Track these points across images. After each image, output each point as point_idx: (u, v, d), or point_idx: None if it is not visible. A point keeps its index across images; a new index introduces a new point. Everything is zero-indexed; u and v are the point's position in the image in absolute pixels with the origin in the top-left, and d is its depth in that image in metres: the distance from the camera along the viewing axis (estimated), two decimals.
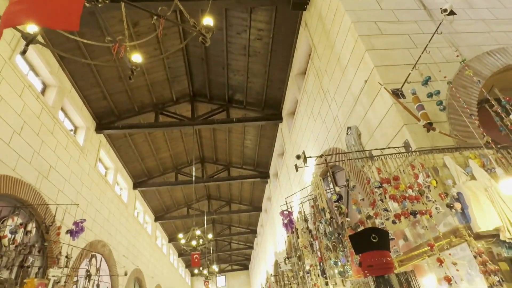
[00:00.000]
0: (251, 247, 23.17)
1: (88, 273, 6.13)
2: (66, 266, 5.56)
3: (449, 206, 2.85)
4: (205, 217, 14.23)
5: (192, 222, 11.89)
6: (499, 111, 3.11)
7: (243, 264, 27.55)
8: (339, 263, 4.38)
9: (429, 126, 3.42)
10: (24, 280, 4.73)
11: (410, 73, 3.82)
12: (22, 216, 5.70)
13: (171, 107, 10.34)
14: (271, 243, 14.58)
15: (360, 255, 1.98)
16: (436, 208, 2.89)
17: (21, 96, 6.05)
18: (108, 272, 9.14)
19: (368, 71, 4.58)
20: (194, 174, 12.05)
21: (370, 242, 1.95)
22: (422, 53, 3.69)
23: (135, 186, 12.91)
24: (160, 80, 9.46)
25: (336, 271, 4.37)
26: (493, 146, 3.08)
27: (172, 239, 19.30)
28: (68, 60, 7.38)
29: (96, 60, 7.52)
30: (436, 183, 2.98)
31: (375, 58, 4.52)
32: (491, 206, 2.84)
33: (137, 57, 2.80)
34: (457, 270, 2.75)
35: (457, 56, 4.00)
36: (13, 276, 5.31)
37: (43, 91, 7.23)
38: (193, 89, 10.40)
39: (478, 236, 2.87)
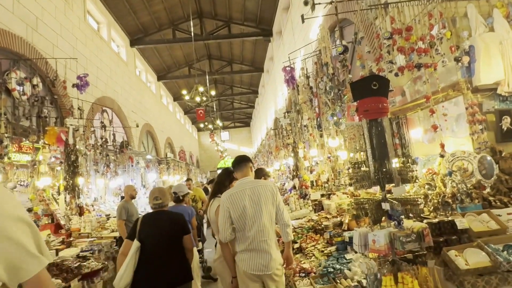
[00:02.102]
0: (253, 107, 24.35)
1: (103, 124, 6.65)
2: (80, 118, 5.97)
3: (457, 60, 2.78)
4: (207, 77, 14.33)
5: (194, 81, 12.05)
6: None
7: (245, 121, 29.65)
8: (335, 117, 4.66)
9: None
10: (46, 128, 5.18)
11: None
12: (24, 71, 5.70)
13: None
14: (271, 103, 15.20)
15: (358, 101, 2.05)
16: (442, 61, 2.82)
17: None
18: (121, 124, 9.92)
19: None
20: (192, 30, 11.31)
21: (370, 89, 1.98)
22: None
23: (132, 44, 12.38)
24: None
25: (331, 123, 4.68)
26: None
27: (176, 98, 20.04)
28: None
29: None
30: (451, 34, 2.80)
31: None
32: (500, 60, 2.77)
33: None
34: (445, 120, 2.94)
35: None
36: (34, 126, 5.80)
37: None
38: None
39: (476, 90, 2.92)
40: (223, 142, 22.10)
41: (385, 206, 1.85)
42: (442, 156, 2.74)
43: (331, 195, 4.58)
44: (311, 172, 6.22)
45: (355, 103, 2.27)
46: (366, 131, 1.99)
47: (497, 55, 2.81)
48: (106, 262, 4.53)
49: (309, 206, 5.12)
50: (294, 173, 5.77)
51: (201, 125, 19.70)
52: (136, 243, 2.69)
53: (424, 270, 1.86)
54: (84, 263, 4.17)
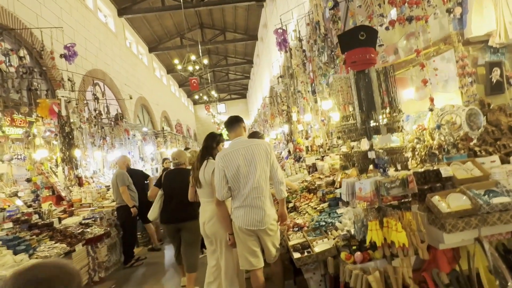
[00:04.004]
0: (248, 77, 23.98)
1: (95, 96, 6.57)
2: (72, 90, 5.89)
3: (449, 11, 2.72)
4: (199, 47, 13.95)
5: (187, 52, 11.76)
6: None
7: (241, 93, 29.34)
8: (329, 80, 4.63)
9: None
10: (37, 101, 5.13)
11: None
12: (9, 43, 5.54)
13: None
14: (267, 72, 14.96)
15: (346, 53, 2.04)
16: (434, 14, 2.77)
17: None
18: (114, 97, 9.81)
19: None
20: None
21: (357, 40, 1.97)
22: None
23: (120, 13, 11.93)
24: None
25: (325, 86, 4.67)
26: None
27: (170, 71, 19.65)
28: None
29: None
30: None
31: None
32: (492, 10, 2.72)
33: None
34: (436, 75, 2.93)
35: None
36: (25, 99, 5.73)
37: None
38: None
39: (467, 42, 2.89)
40: (220, 115, 22.02)
41: (371, 155, 1.91)
42: (431, 110, 2.77)
43: (324, 157, 4.66)
44: (306, 138, 6.28)
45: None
46: (353, 83, 2.00)
47: (489, 5, 2.75)
48: (108, 228, 4.69)
49: (304, 170, 5.22)
50: (289, 138, 5.82)
51: (196, 97, 19.46)
52: (160, 191, 3.79)
53: (408, 214, 1.95)
54: (87, 230, 4.32)
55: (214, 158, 2.92)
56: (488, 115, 2.71)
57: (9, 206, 4.35)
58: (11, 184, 5.05)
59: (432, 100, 2.62)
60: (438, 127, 2.63)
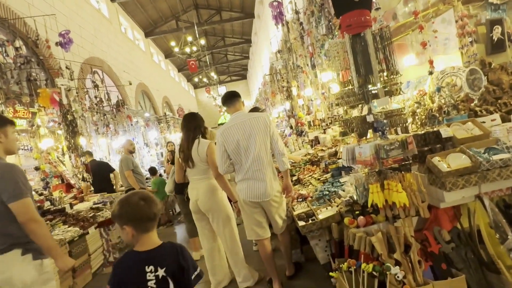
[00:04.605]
0: (247, 57, 23.63)
1: (95, 83, 6.57)
2: (70, 78, 5.88)
3: None
4: (195, 29, 13.70)
5: (183, 34, 11.56)
6: None
7: (241, 74, 29.00)
8: (326, 47, 4.55)
9: None
10: (38, 91, 5.14)
11: None
12: (3, 33, 5.51)
13: None
14: (265, 49, 14.70)
15: (341, 17, 2.01)
16: None
17: None
18: (113, 84, 9.78)
19: None
20: None
21: (351, 2, 1.93)
22: None
23: None
24: None
25: (323, 58, 4.60)
26: None
27: (168, 55, 19.40)
28: None
29: None
30: None
31: None
32: None
33: None
34: (436, 37, 2.88)
35: None
36: (25, 90, 5.75)
37: None
38: None
39: (467, 1, 2.81)
40: (221, 97, 21.83)
41: (369, 118, 1.91)
42: (431, 73, 2.74)
43: (326, 130, 4.67)
44: (308, 114, 6.26)
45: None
46: (349, 47, 1.98)
47: None
48: None
49: (307, 145, 5.25)
50: (290, 113, 5.82)
51: (196, 80, 19.28)
52: (173, 167, 4.00)
53: (408, 176, 1.98)
54: (98, 213, 4.44)
55: (203, 137, 2.97)
56: (489, 74, 2.68)
57: None
58: None
59: (431, 62, 2.58)
60: (438, 89, 2.61)
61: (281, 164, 2.73)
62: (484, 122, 2.27)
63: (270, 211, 2.73)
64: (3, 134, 1.92)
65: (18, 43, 5.25)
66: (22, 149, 5.24)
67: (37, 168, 4.90)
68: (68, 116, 5.16)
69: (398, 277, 1.78)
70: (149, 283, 1.33)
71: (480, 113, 2.46)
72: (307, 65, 5.06)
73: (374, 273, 1.88)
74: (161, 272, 1.34)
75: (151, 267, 1.34)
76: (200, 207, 2.97)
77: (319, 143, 4.63)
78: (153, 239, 1.42)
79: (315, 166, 3.75)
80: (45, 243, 1.84)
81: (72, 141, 5.06)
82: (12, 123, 2.03)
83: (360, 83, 1.96)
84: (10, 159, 5.69)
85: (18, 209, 1.76)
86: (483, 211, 2.05)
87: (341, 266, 2.05)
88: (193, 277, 1.41)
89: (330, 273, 2.12)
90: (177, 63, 21.32)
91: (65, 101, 5.15)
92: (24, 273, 1.76)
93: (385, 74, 1.98)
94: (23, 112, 5.41)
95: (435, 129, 2.27)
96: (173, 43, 9.10)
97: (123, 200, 1.42)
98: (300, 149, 5.54)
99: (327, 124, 4.97)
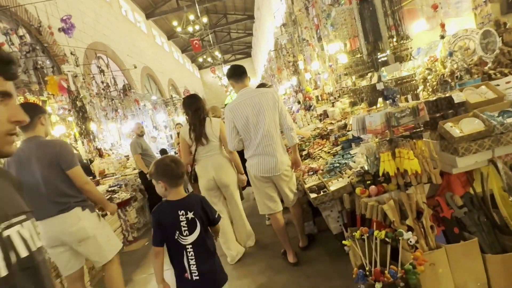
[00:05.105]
0: (251, 34, 23.09)
1: (100, 68, 6.57)
2: (76, 65, 5.89)
3: None
4: (197, 7, 13.37)
5: (184, 12, 11.31)
6: None
7: (246, 52, 28.47)
8: (332, 15, 4.40)
9: None
10: (45, 78, 5.19)
11: None
12: (5, 22, 5.50)
13: None
14: (269, 24, 14.31)
15: None
16: None
17: None
18: (118, 69, 9.76)
19: None
20: None
21: None
22: None
23: None
24: None
25: (330, 29, 4.47)
26: None
27: (170, 37, 19.12)
28: None
29: None
30: None
31: None
32: None
33: None
34: None
35: None
36: (33, 79, 5.80)
37: None
38: None
39: None
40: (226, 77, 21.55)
41: (379, 86, 1.88)
42: (442, 37, 2.65)
43: (334, 103, 4.61)
44: (315, 89, 6.17)
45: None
46: (356, 13, 1.92)
47: None
48: (134, 193, 4.95)
49: (315, 119, 5.21)
50: (297, 88, 5.74)
51: (201, 60, 19.07)
52: None
53: (420, 143, 1.97)
54: (115, 195, 4.58)
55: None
56: (504, 35, 2.57)
57: None
58: None
59: (443, 26, 2.49)
60: (451, 54, 2.53)
61: (290, 139, 2.74)
62: (498, 85, 2.20)
63: (281, 185, 2.78)
64: (44, 119, 2.29)
65: (22, 31, 5.25)
66: None
67: None
68: (77, 102, 5.22)
69: (410, 242, 1.81)
70: (181, 223, 1.74)
71: (494, 76, 2.38)
72: (313, 37, 4.93)
73: (387, 239, 1.91)
74: (190, 215, 1.76)
75: (182, 211, 1.76)
76: (217, 181, 3.09)
77: (327, 117, 4.59)
78: (181, 192, 1.82)
79: (324, 140, 3.74)
80: (97, 197, 2.41)
81: (83, 126, 5.14)
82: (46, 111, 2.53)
83: (369, 50, 1.92)
84: None
85: (75, 175, 2.25)
86: (497, 175, 2.04)
87: (353, 234, 2.09)
88: (216, 216, 1.84)
89: (343, 242, 2.17)
90: (180, 44, 21.02)
91: (72, 88, 5.20)
92: (91, 221, 2.33)
93: (394, 39, 1.92)
94: (34, 101, 5.49)
95: (447, 95, 2.22)
96: (175, 23, 8.93)
97: (158, 161, 1.82)
98: (308, 124, 5.51)
99: (335, 98, 4.90)
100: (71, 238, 2.26)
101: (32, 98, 5.45)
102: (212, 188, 3.12)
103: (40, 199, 2.17)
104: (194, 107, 3.05)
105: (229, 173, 3.11)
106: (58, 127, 5.30)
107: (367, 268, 1.86)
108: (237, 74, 2.75)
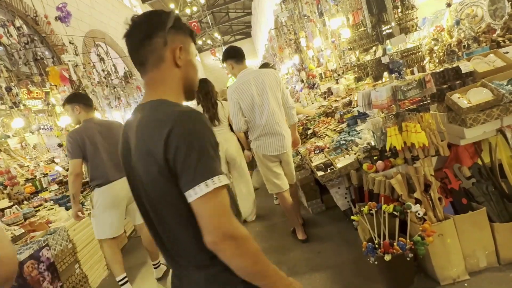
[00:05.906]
0: (250, 13, 22.52)
1: (100, 56, 6.50)
2: (75, 54, 5.84)
3: None
4: None
5: None
6: None
7: (245, 32, 27.85)
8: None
9: None
10: (46, 69, 5.16)
11: None
12: (1, 14, 5.43)
13: None
14: (268, 1, 13.90)
15: None
16: None
17: None
18: (118, 56, 9.66)
19: None
20: None
21: None
22: None
23: None
24: None
25: (331, 3, 4.34)
26: None
27: None
28: None
29: None
30: None
31: None
32: None
33: None
34: None
35: None
36: (34, 70, 5.78)
37: None
38: None
39: None
40: None
41: (385, 59, 1.84)
42: (449, 5, 2.56)
43: (338, 80, 4.55)
44: (318, 66, 6.06)
45: None
46: None
47: None
48: None
49: (319, 98, 5.16)
50: (300, 66, 5.65)
51: (200, 43, 18.75)
52: None
53: (427, 116, 1.95)
54: None
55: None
56: None
57: (50, 171, 4.71)
58: (46, 152, 5.39)
59: None
60: (457, 22, 2.45)
61: (292, 117, 2.75)
62: (507, 52, 2.15)
63: (288, 162, 2.81)
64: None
65: (18, 22, 5.18)
66: (43, 129, 5.40)
67: (60, 145, 5.09)
68: (80, 91, 5.20)
69: (418, 214, 1.83)
70: None
71: (503, 43, 2.31)
72: (314, 13, 4.79)
73: (395, 212, 1.93)
74: None
75: None
76: (227, 155, 3.46)
77: (332, 94, 4.54)
78: None
79: (330, 118, 3.72)
80: None
81: None
82: None
83: (373, 22, 1.86)
84: (31, 139, 5.83)
85: None
86: (505, 145, 2.03)
87: (362, 209, 2.12)
88: None
89: (352, 217, 2.20)
90: None
91: (74, 77, 5.17)
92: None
93: (399, 10, 1.86)
94: (37, 93, 5.50)
95: (454, 65, 2.17)
96: (172, 6, 8.72)
97: None
98: (312, 103, 5.46)
99: (339, 74, 4.82)
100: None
101: (35, 90, 5.46)
102: (223, 162, 3.32)
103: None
104: (204, 91, 3.36)
105: (236, 146, 3.48)
106: (64, 117, 5.33)
107: (376, 241, 1.90)
108: (239, 55, 2.70)
